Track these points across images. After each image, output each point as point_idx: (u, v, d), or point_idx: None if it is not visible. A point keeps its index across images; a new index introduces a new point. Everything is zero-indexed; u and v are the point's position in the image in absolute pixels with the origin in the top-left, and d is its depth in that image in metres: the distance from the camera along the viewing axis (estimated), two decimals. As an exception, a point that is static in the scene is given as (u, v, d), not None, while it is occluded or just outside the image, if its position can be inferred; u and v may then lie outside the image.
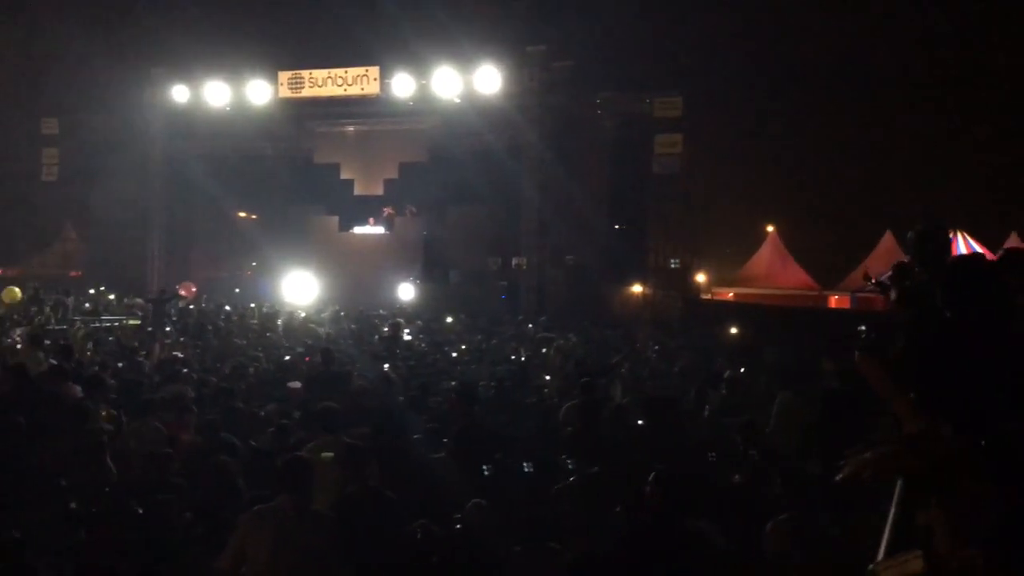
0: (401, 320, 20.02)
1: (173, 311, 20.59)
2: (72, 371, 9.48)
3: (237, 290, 28.26)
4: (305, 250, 28.10)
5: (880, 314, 15.64)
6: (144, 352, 14.19)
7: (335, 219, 29.66)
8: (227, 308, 22.94)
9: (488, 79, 24.13)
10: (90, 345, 14.69)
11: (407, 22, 24.55)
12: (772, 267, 30.55)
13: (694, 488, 6.01)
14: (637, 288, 26.36)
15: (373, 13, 25.26)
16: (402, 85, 24.80)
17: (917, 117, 28.81)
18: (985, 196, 26.99)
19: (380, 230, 29.44)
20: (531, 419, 8.78)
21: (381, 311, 22.71)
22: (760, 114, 30.52)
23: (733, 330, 17.79)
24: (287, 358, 13.76)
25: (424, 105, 25.59)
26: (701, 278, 28.73)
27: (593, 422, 7.41)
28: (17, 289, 20.32)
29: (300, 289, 26.10)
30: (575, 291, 25.21)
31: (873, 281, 11.82)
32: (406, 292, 26.00)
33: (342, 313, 21.80)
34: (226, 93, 26.50)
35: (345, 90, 25.70)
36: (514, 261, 26.37)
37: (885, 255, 23.12)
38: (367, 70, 25.29)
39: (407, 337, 17.80)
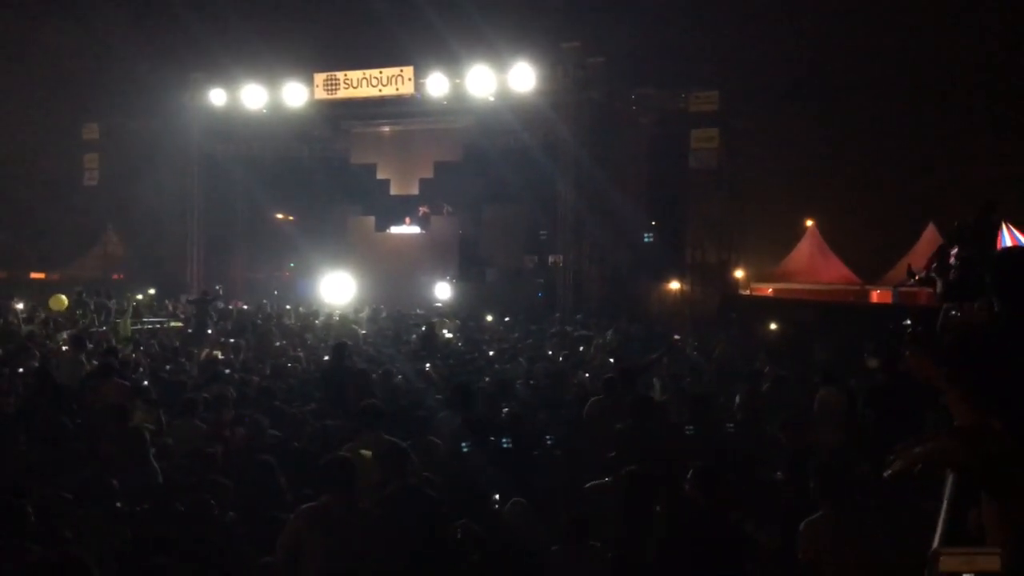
0: (437, 319, 20.16)
1: (215, 312, 20.82)
2: (117, 369, 9.65)
3: (276, 292, 28.56)
4: (342, 250, 28.33)
5: (925, 308, 15.38)
6: (187, 353, 14.39)
7: (371, 219, 29.83)
8: (266, 307, 23.20)
9: (522, 77, 24.09)
10: (130, 347, 14.90)
11: (441, 21, 24.63)
12: (812, 262, 30.25)
13: (735, 486, 5.97)
14: (675, 285, 26.21)
15: (407, 13, 25.41)
16: (437, 84, 24.84)
17: (961, 107, 28.31)
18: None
19: (416, 230, 29.56)
20: (568, 417, 8.76)
21: (418, 310, 22.82)
22: (798, 106, 30.22)
23: (773, 326, 17.61)
24: (327, 358, 13.84)
25: (459, 104, 25.63)
26: (739, 274, 28.51)
27: (644, 419, 7.36)
28: (64, 297, 20.67)
29: (338, 289, 26.30)
30: (612, 288, 25.11)
31: (916, 278, 11.62)
32: (443, 291, 26.07)
33: (383, 314, 21.93)
34: (262, 96, 26.74)
35: (380, 91, 25.79)
36: (550, 259, 26.34)
37: (928, 248, 22.70)
38: (402, 70, 25.37)
39: (448, 335, 17.90)
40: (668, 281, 26.32)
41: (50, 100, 30.69)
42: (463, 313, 22.08)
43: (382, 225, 29.82)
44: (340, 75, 26.05)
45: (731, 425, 8.69)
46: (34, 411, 7.72)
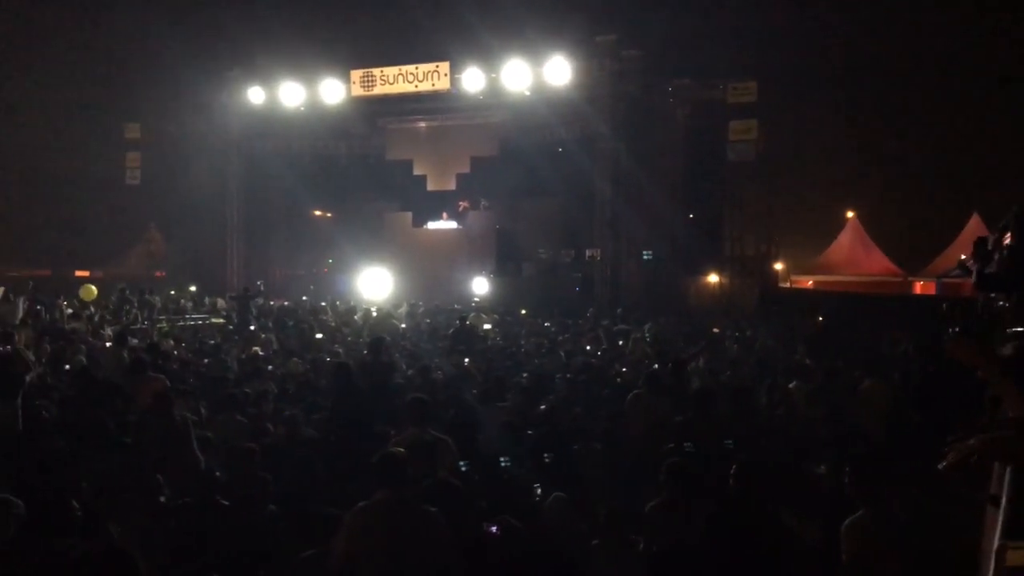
0: (474, 314, 20.20)
1: (255, 309, 21.03)
2: (155, 364, 9.77)
3: (312, 287, 28.76)
4: (380, 246, 28.48)
5: (969, 299, 15.11)
6: (228, 349, 14.54)
7: (408, 215, 29.95)
8: (305, 304, 23.40)
9: (558, 71, 24.01)
10: (171, 342, 15.09)
11: (476, 16, 24.59)
12: (853, 253, 29.88)
13: (778, 479, 5.89)
14: (713, 278, 25.99)
15: (443, 8, 25.42)
16: (472, 79, 24.86)
17: (1007, 95, 27.68)
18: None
19: (453, 225, 29.62)
20: (606, 411, 8.71)
21: (456, 305, 22.87)
22: (837, 96, 29.79)
23: (813, 319, 17.41)
24: (365, 352, 13.89)
25: (494, 99, 25.63)
26: (779, 266, 28.19)
27: (706, 411, 7.32)
28: (93, 287, 21.05)
29: (375, 285, 26.45)
30: (650, 282, 24.96)
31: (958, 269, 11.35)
32: (480, 286, 26.10)
33: (421, 309, 22.01)
34: (300, 93, 26.94)
35: (416, 86, 25.86)
36: (587, 253, 26.24)
37: (972, 239, 22.32)
38: (437, 66, 25.40)
39: (486, 326, 17.93)
40: (706, 274, 26.10)
41: (93, 101, 31.16)
42: (501, 308, 22.08)
43: (419, 221, 29.92)
44: (376, 71, 26.16)
45: (772, 418, 8.60)
46: (77, 407, 7.83)
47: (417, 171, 29.04)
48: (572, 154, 25.02)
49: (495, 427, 7.48)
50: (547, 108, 25.11)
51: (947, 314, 10.13)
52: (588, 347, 15.29)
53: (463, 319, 16.30)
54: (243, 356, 13.48)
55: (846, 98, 30.04)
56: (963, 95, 28.70)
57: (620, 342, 15.71)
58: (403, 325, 18.89)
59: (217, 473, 6.63)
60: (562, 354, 13.65)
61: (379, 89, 26.34)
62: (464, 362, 12.26)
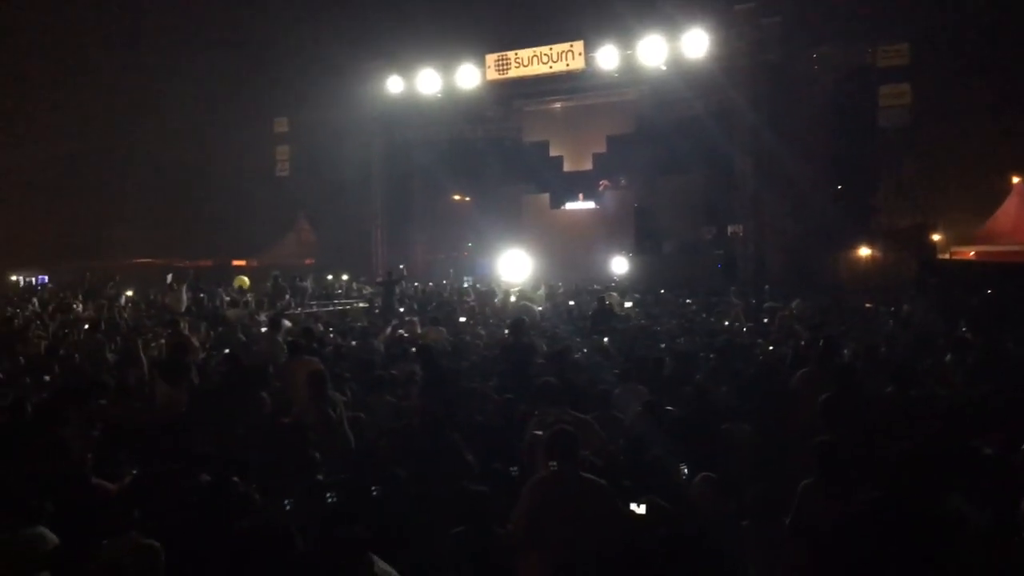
0: (614, 294, 20.05)
1: (399, 292, 21.57)
2: (309, 347, 10.14)
3: (451, 271, 29.24)
4: (518, 228, 28.68)
5: None
6: (374, 332, 14.94)
7: (546, 196, 30.01)
8: (446, 287, 23.83)
9: (695, 43, 23.44)
10: (321, 327, 15.63)
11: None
12: (1020, 222, 27.89)
13: (945, 461, 5.56)
14: (865, 251, 24.84)
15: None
16: (607, 57, 24.59)
17: None
18: None
19: (591, 205, 29.47)
20: (753, 390, 8.45)
21: (595, 286, 22.77)
22: (997, 55, 27.77)
23: (977, 292, 16.35)
24: (506, 332, 14.01)
25: (630, 76, 25.29)
26: (937, 237, 26.65)
27: (847, 388, 7.04)
28: (245, 278, 22.06)
29: (515, 267, 26.65)
30: (796, 257, 24.09)
31: None
32: (619, 265, 25.87)
33: (560, 290, 22.04)
34: (437, 80, 27.38)
35: (551, 67, 25.82)
36: (729, 229, 25.61)
37: None
38: (571, 45, 25.28)
39: (627, 305, 17.79)
40: (856, 248, 24.96)
41: (244, 98, 32.67)
42: (641, 287, 21.84)
43: (557, 202, 29.93)
44: (511, 54, 26.28)
45: (933, 396, 8.14)
46: (236, 389, 8.21)
47: (553, 152, 29.05)
48: (710, 129, 24.38)
49: (636, 407, 7.39)
50: (684, 82, 24.54)
51: None
52: (732, 324, 14.92)
53: (601, 299, 16.19)
54: (389, 338, 13.80)
55: (1007, 56, 28.00)
56: None
57: (765, 320, 15.25)
58: (540, 307, 18.93)
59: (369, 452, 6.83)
60: (702, 334, 13.37)
61: (514, 72, 26.46)
62: (604, 342, 12.16)
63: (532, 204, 30.35)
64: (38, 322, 15.49)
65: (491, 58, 26.57)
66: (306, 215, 34.46)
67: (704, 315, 16.28)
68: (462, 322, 16.04)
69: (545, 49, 25.74)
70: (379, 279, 23.14)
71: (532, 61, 26.06)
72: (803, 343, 10.75)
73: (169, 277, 20.14)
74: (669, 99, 25.81)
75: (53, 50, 32.57)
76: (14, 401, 7.90)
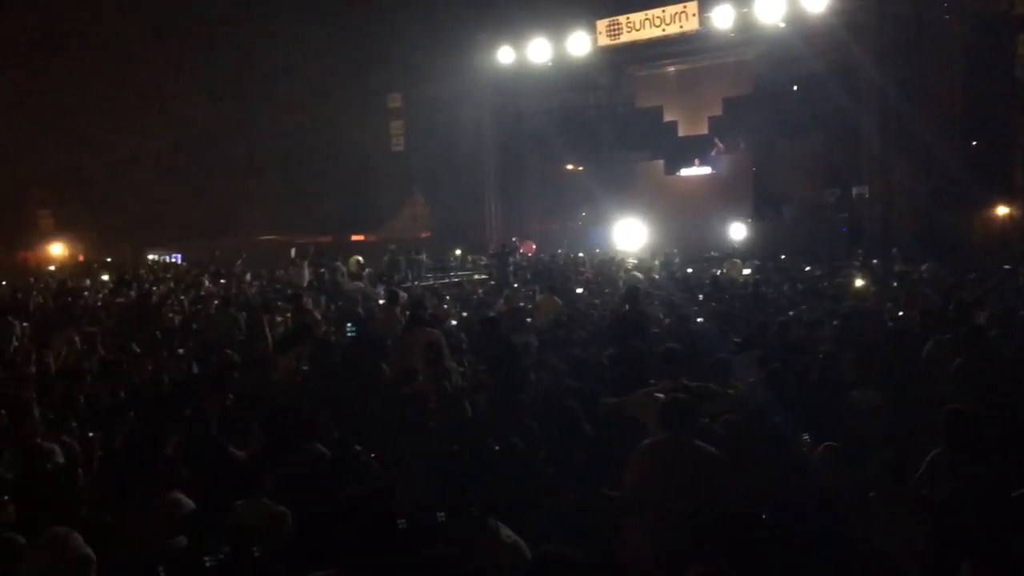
0: (732, 261, 19.66)
1: (512, 264, 21.70)
2: (428, 318, 10.33)
3: (566, 241, 29.14)
4: (632, 196, 28.33)
5: None
6: (491, 303, 15.09)
7: (660, 163, 29.53)
8: (560, 257, 23.82)
9: (815, -3, 22.50)
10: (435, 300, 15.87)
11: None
12: None
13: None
14: (1003, 210, 23.48)
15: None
16: (722, 16, 23.90)
17: None
18: None
19: (707, 170, 28.83)
20: (880, 357, 8.13)
21: (713, 253, 22.34)
22: None
23: None
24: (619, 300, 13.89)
25: (746, 35, 24.51)
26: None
27: (977, 356, 6.73)
28: (359, 257, 22.54)
29: (630, 236, 26.41)
30: (926, 219, 22.98)
31: None
32: (738, 231, 25.27)
33: (676, 259, 21.73)
34: (547, 49, 27.21)
35: (663, 30, 25.28)
36: (854, 191, 24.64)
37: None
38: (685, 6, 24.67)
39: (745, 271, 17.45)
40: (992, 207, 23.63)
41: (358, 74, 33.27)
42: (761, 253, 21.30)
43: (671, 168, 29.41)
44: (622, 19, 25.87)
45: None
46: (356, 361, 8.45)
47: (667, 117, 28.51)
48: (832, 87, 23.37)
49: (758, 375, 7.22)
50: (803, 40, 23.56)
51: None
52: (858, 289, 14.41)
53: (714, 275, 15.92)
54: (507, 309, 13.90)
55: None
56: None
57: (895, 284, 14.63)
58: (656, 276, 18.70)
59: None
60: (827, 298, 12.95)
61: (625, 37, 26.04)
62: (722, 310, 11.96)
63: (646, 171, 29.91)
64: (172, 298, 16.27)
65: (602, 24, 26.22)
66: (420, 189, 34.98)
67: (825, 283, 15.72)
68: (578, 293, 16.02)
69: (657, 11, 25.21)
70: (492, 251, 23.34)
71: (644, 24, 25.57)
72: (934, 308, 10.25)
73: (292, 252, 20.81)
74: (788, 58, 24.84)
75: (181, 35, 33.93)
76: (152, 375, 8.35)
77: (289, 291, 16.19)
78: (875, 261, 18.55)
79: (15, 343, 11.77)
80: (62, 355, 10.32)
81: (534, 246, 28.38)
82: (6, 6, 30.66)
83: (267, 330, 11.17)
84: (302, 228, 32.35)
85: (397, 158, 33.05)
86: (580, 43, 26.55)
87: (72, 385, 7.97)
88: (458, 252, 27.27)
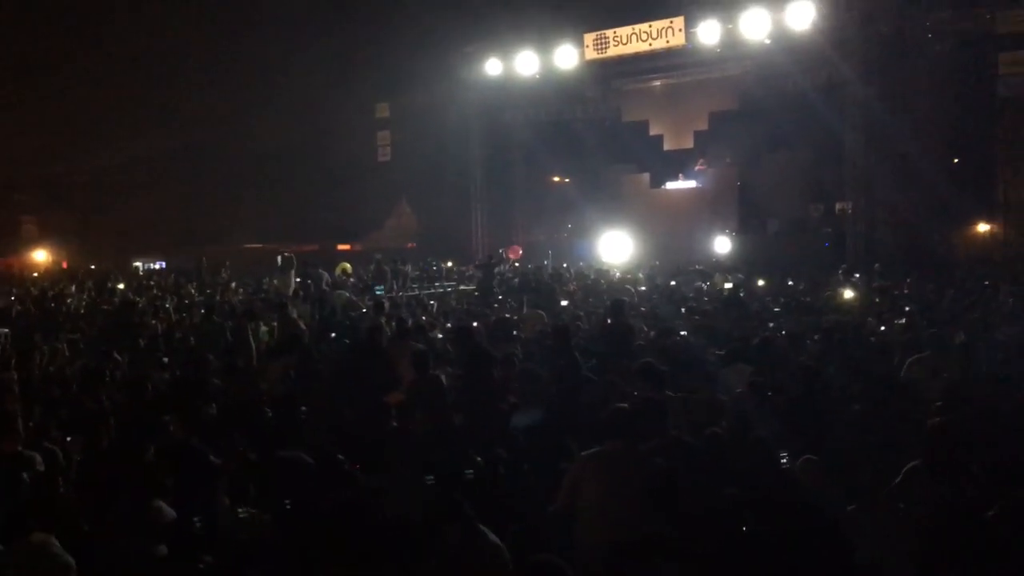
0: (717, 274, 19.78)
1: (499, 275, 21.72)
2: (412, 330, 10.33)
3: (551, 251, 29.21)
4: (618, 209, 28.45)
5: None
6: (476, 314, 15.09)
7: (646, 176, 29.67)
8: (546, 269, 23.86)
9: (801, 14, 22.65)
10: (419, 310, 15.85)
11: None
12: None
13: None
14: (983, 227, 23.71)
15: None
16: (708, 32, 24.05)
17: None
18: None
19: (692, 184, 29.00)
20: (862, 371, 8.20)
21: (697, 266, 22.44)
22: None
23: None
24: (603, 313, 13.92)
25: (732, 51, 24.66)
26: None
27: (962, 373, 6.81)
28: (348, 264, 22.51)
29: (615, 248, 26.48)
30: (909, 235, 23.17)
31: None
32: (722, 245, 25.41)
33: (657, 273, 21.83)
34: (535, 62, 27.29)
35: (650, 44, 25.42)
36: (838, 207, 24.82)
37: None
38: (671, 21, 24.82)
39: (727, 285, 17.54)
40: (974, 224, 23.85)
41: (346, 84, 33.29)
42: (745, 267, 21.42)
43: (657, 181, 29.56)
44: (609, 33, 26.00)
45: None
46: (342, 370, 8.45)
47: (654, 131, 28.67)
48: (817, 103, 23.56)
49: (741, 387, 7.27)
50: (788, 56, 23.77)
51: None
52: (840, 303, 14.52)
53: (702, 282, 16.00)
54: (493, 320, 13.90)
55: None
56: None
57: (877, 299, 14.75)
58: (642, 288, 18.77)
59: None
60: (811, 313, 13.04)
61: (613, 51, 26.17)
62: (701, 323, 12.02)
63: (632, 184, 30.05)
64: (157, 305, 16.20)
65: (589, 37, 26.35)
66: (407, 199, 35.00)
67: (808, 298, 15.83)
68: (563, 305, 16.04)
69: (644, 26, 25.35)
70: (478, 262, 23.35)
71: (631, 39, 25.71)
72: (913, 324, 10.36)
73: (279, 260, 20.77)
74: (773, 74, 25.05)
75: (169, 44, 33.86)
76: (134, 382, 8.31)
77: (274, 300, 16.16)
78: (857, 276, 18.68)
79: (-3, 350, 11.69)
80: (43, 362, 10.26)
81: (520, 251, 28.40)
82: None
83: (251, 338, 11.14)
84: (288, 237, 32.28)
85: (384, 168, 33.05)
86: (567, 56, 26.65)
87: (54, 392, 7.92)
88: (449, 263, 27.27)
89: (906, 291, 15.44)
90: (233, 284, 21.19)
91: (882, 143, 22.74)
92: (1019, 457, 5.11)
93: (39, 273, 28.75)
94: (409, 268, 24.07)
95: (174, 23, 33.24)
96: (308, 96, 33.77)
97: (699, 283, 19.45)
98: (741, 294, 16.49)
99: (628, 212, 28.34)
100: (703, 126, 27.62)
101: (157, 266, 31.05)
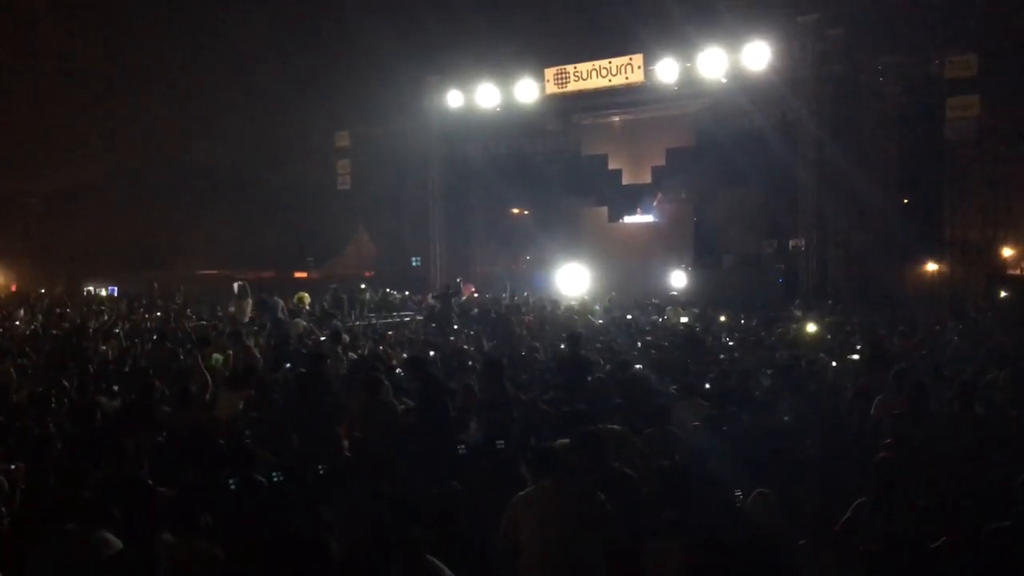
0: (670, 308, 19.97)
1: (456, 306, 21.67)
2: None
3: (509, 283, 29.28)
4: (576, 242, 28.64)
5: None
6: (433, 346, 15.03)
7: (604, 210, 29.94)
8: (503, 299, 23.89)
9: (757, 56, 23.16)
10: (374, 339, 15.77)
11: (671, 5, 24.15)
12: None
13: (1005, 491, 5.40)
14: (931, 266, 24.25)
15: (636, 1, 25.16)
16: (667, 70, 24.46)
17: None
18: None
19: (649, 218, 29.32)
20: (814, 408, 8.33)
21: (654, 300, 22.63)
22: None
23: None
24: (563, 346, 13.97)
25: (690, 89, 25.10)
26: (1008, 252, 25.90)
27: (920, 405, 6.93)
28: (306, 294, 22.32)
29: (573, 280, 26.62)
30: (859, 272, 23.61)
31: None
32: (678, 279, 25.68)
33: (610, 303, 21.96)
34: (496, 94, 27.49)
35: (610, 81, 25.79)
36: (791, 243, 25.21)
37: None
38: (631, 59, 25.22)
39: (683, 320, 17.69)
40: (923, 263, 24.40)
41: (306, 111, 33.26)
42: (700, 302, 21.64)
43: (615, 215, 29.84)
44: (570, 68, 26.33)
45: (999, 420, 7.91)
46: (296, 399, 8.39)
47: (612, 166, 28.97)
48: (772, 141, 24.03)
49: (694, 422, 7.34)
50: (745, 95, 24.28)
51: None
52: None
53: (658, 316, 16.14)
54: (448, 351, 13.88)
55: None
56: None
57: (829, 336, 14.97)
58: (599, 321, 18.88)
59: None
60: (764, 348, 13.20)
61: (573, 85, 26.49)
62: (657, 357, 12.12)
63: (590, 217, 30.30)
64: (107, 331, 15.92)
65: (550, 72, 26.64)
66: (366, 228, 34.90)
67: (763, 333, 16.02)
68: (519, 335, 16.07)
69: (604, 62, 25.72)
70: (435, 293, 23.31)
71: (591, 75, 26.06)
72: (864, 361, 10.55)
73: (235, 287, 20.53)
74: (730, 112, 25.54)
75: (121, 65, 33.59)
76: (84, 409, 8.15)
77: (227, 328, 15.95)
78: (810, 312, 18.95)
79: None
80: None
81: (473, 288, 28.41)
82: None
83: (202, 365, 10.98)
84: (245, 263, 31.96)
85: (343, 196, 32.94)
86: (528, 90, 26.90)
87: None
88: (407, 293, 27.15)
89: (857, 328, 15.67)
90: (188, 311, 20.89)
91: (835, 181, 23.18)
92: (964, 492, 5.21)
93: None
94: (367, 296, 23.94)
95: (130, 45, 33.01)
96: (267, 122, 33.68)
97: (655, 317, 19.65)
98: (697, 328, 16.67)
99: (586, 245, 28.56)
100: (661, 162, 27.98)
101: (105, 292, 30.50)
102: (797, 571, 4.82)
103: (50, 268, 33.02)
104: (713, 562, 4.71)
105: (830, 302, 20.14)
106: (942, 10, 23.35)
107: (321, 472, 6.08)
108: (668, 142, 27.76)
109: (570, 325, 16.61)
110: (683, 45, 24.26)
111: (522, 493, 4.99)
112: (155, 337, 14.57)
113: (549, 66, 26.66)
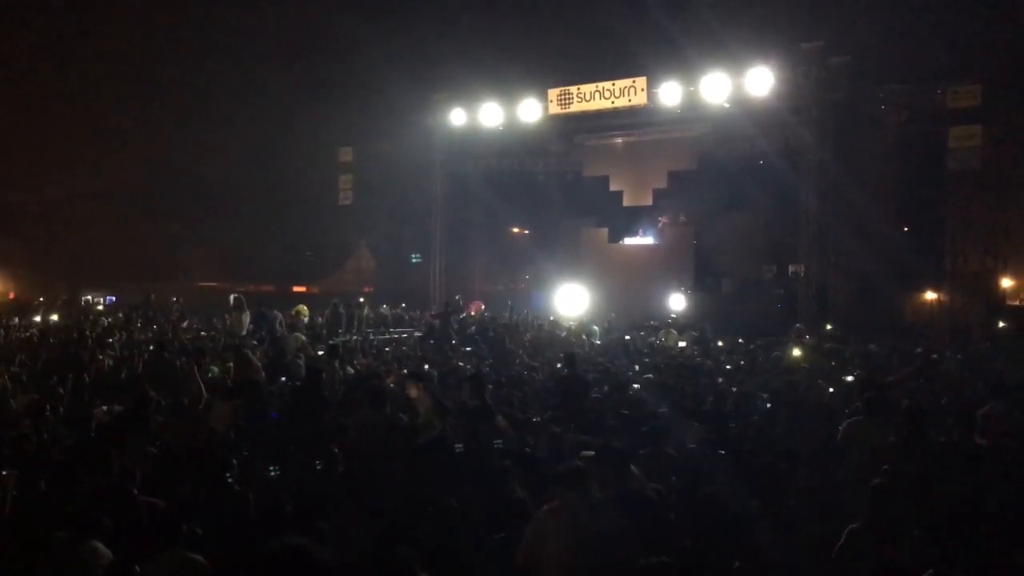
0: (665, 330, 19.96)
1: (456, 323, 21.65)
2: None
3: (509, 302, 29.26)
4: (576, 262, 28.62)
5: None
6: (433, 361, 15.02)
7: (605, 231, 29.96)
8: (502, 318, 23.85)
9: (760, 81, 23.26)
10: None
11: (675, 29, 24.31)
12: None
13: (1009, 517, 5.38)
14: (931, 295, 24.26)
15: (640, 23, 25.34)
16: (670, 93, 24.55)
17: None
18: None
19: (650, 240, 29.33)
20: (811, 433, 8.29)
21: (652, 322, 22.61)
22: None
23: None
24: (559, 366, 13.96)
25: (693, 112, 25.17)
26: (1008, 283, 25.93)
27: (918, 432, 6.90)
28: (304, 307, 22.31)
29: (572, 301, 26.59)
30: (859, 299, 23.60)
31: None
32: (677, 302, 25.66)
33: (608, 324, 21.93)
34: (499, 114, 27.58)
35: (613, 102, 25.88)
36: (791, 268, 25.21)
37: None
38: (634, 81, 25.31)
39: (681, 344, 17.67)
40: (923, 291, 24.40)
41: (309, 126, 33.39)
42: (698, 324, 21.62)
43: (615, 237, 29.85)
44: (573, 89, 26.42)
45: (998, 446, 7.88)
46: (295, 413, 8.35)
47: (614, 187, 28.99)
48: (774, 167, 24.10)
49: (691, 443, 7.31)
50: (748, 120, 24.34)
51: None
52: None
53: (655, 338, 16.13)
54: (447, 368, 13.85)
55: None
56: None
57: (833, 363, 14.92)
58: (597, 341, 18.86)
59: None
60: (761, 373, 13.17)
61: (576, 106, 26.57)
62: (654, 379, 12.10)
63: (591, 238, 30.31)
64: (104, 341, 15.89)
65: (553, 92, 26.74)
66: (366, 244, 34.92)
67: (760, 358, 15.99)
68: (514, 353, 16.05)
69: (607, 84, 25.82)
70: (435, 311, 23.28)
71: (594, 96, 26.15)
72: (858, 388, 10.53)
73: (231, 299, 20.51)
74: (732, 136, 25.61)
75: (125, 79, 33.75)
76: (80, 419, 8.12)
77: (224, 341, 15.93)
78: (807, 337, 18.91)
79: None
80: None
81: (483, 306, 28.38)
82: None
83: (198, 377, 10.95)
84: (245, 276, 31.97)
85: (345, 211, 33.00)
86: (531, 110, 26.98)
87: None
88: (403, 305, 27.12)
89: (855, 355, 15.64)
90: (185, 323, 20.85)
91: (837, 207, 23.21)
92: (956, 520, 5.18)
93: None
94: (366, 312, 23.91)
95: (133, 58, 33.17)
96: (270, 136, 33.79)
97: (652, 339, 19.62)
98: (696, 351, 16.65)
99: (586, 266, 28.54)
100: (663, 184, 28.00)
101: (102, 301, 30.45)
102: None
103: (48, 277, 32.99)
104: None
105: (829, 327, 20.10)
106: (946, 40, 23.50)
107: (317, 488, 6.04)
108: (670, 164, 27.79)
109: (568, 346, 16.60)
110: (686, 69, 24.36)
111: (547, 506, 5.03)
112: (152, 348, 14.55)
113: (553, 86, 26.76)
